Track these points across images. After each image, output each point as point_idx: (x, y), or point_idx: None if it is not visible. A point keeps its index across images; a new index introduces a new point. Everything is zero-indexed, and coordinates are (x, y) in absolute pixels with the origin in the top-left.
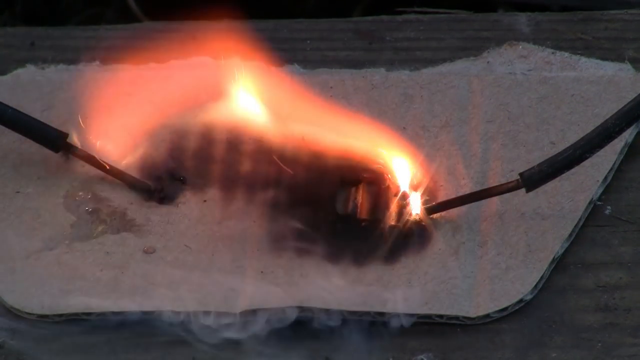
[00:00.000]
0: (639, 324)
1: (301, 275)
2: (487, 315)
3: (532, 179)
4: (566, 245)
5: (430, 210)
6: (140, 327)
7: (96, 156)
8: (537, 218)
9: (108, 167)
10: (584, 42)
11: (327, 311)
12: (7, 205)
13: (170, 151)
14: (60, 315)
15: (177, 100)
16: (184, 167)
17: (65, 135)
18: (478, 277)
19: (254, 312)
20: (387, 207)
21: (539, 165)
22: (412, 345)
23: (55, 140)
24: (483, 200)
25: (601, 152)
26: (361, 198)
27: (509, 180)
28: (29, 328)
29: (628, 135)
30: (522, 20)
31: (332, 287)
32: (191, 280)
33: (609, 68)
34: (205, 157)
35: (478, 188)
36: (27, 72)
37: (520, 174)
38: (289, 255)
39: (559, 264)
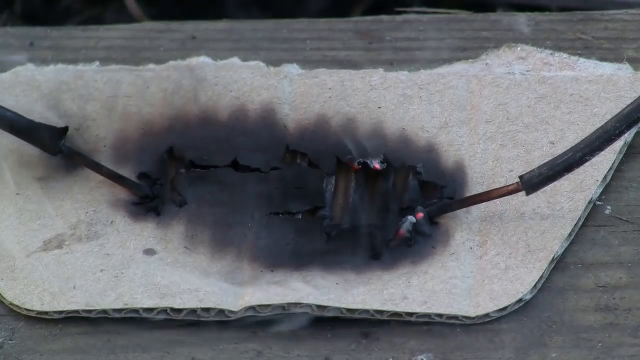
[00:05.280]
0: (639, 324)
1: (301, 274)
2: (487, 315)
3: (532, 182)
4: (566, 245)
5: (430, 213)
6: (140, 326)
7: (95, 159)
8: (537, 218)
9: (107, 171)
10: (583, 43)
11: (326, 309)
12: (6, 207)
13: (170, 152)
14: (60, 313)
15: (177, 102)
16: (184, 168)
17: (64, 138)
18: (478, 277)
19: (253, 310)
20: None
21: (539, 168)
22: (412, 345)
23: (54, 144)
24: None
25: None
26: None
27: (509, 182)
28: (29, 328)
29: (628, 134)
30: (522, 20)
31: (331, 285)
32: (191, 280)
33: (608, 68)
34: (205, 158)
35: (477, 189)
36: (27, 71)
37: (520, 177)
38: (289, 254)
39: (559, 264)
